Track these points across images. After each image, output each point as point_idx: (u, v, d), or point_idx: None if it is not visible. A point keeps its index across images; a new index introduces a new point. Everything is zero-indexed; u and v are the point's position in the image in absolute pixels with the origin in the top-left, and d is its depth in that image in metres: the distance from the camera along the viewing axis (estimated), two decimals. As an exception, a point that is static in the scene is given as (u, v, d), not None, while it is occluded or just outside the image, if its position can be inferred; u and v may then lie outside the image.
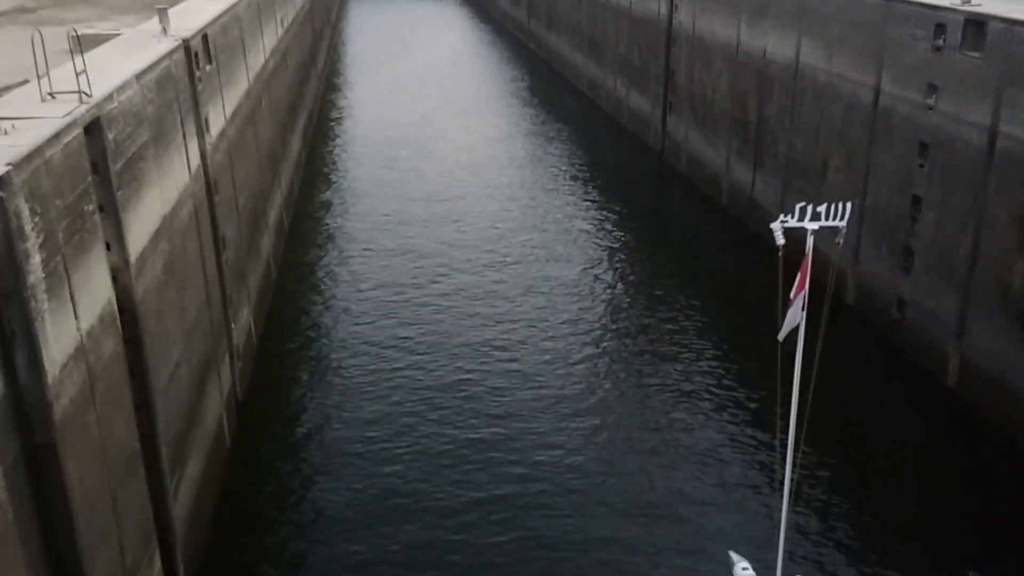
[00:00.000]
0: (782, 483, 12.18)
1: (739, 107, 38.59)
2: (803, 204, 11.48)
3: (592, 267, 35.30)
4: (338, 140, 55.45)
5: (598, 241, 38.09)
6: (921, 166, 26.20)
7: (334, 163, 50.25)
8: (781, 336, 11.66)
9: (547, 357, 28.18)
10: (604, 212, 41.50)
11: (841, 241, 11.21)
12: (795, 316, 11.64)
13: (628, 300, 32.56)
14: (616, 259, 36.30)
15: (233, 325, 24.23)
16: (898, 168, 27.31)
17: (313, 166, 49.36)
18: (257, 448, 23.48)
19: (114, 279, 15.33)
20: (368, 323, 30.41)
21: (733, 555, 13.77)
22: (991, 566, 17.60)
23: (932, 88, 25.58)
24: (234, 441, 23.05)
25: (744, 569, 13.47)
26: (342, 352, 28.47)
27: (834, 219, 11.32)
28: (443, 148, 51.89)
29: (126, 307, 15.72)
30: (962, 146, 24.33)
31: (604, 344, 29.09)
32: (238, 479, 22.04)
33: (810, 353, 11.75)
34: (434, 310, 31.29)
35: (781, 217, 11.34)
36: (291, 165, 42.60)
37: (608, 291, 33.22)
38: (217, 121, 24.49)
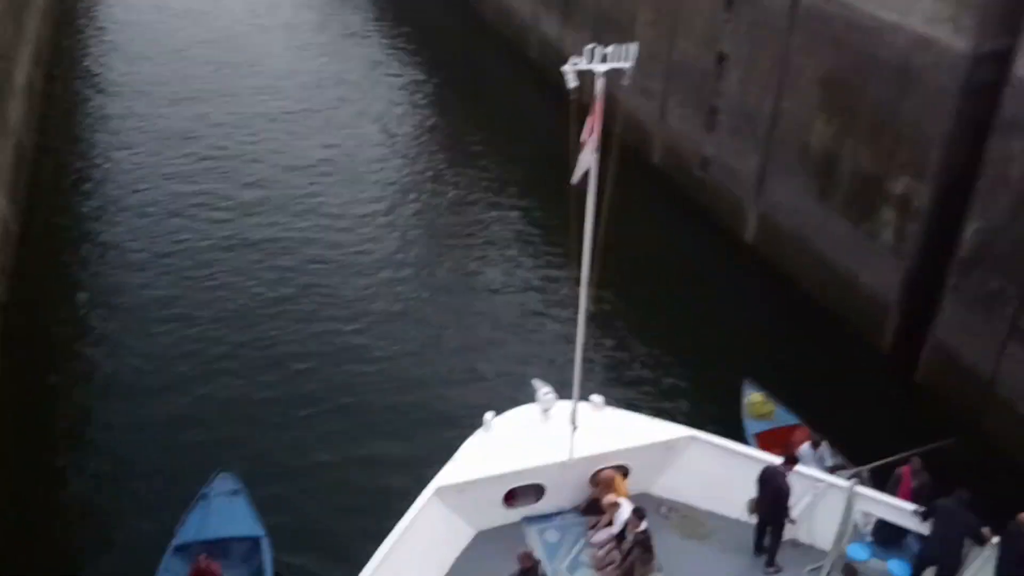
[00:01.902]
0: (577, 316, 12.99)
1: (547, -45, 37.19)
2: (592, 46, 11.24)
3: (394, 118, 34.21)
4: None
5: (400, 91, 36.70)
6: (727, 22, 26.03)
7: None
8: (575, 180, 11.76)
9: (349, 216, 27.45)
10: (407, 61, 39.82)
11: (628, 82, 11.16)
12: (587, 160, 11.67)
13: (431, 151, 31.97)
14: (419, 111, 35.21)
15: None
16: (705, 24, 27.09)
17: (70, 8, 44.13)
18: (26, 354, 21.03)
19: None
20: (152, 193, 28.06)
21: (537, 382, 14.89)
22: (765, 377, 19.54)
23: (740, -60, 25.18)
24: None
25: (546, 394, 14.60)
26: (122, 231, 26.10)
27: (621, 61, 11.27)
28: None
29: None
30: (768, 0, 24.21)
31: (406, 194, 28.92)
32: (4, 394, 19.63)
33: (606, 198, 12.04)
34: (222, 178, 29.22)
35: (572, 59, 11.13)
36: (40, 13, 37.29)
37: (409, 142, 32.44)
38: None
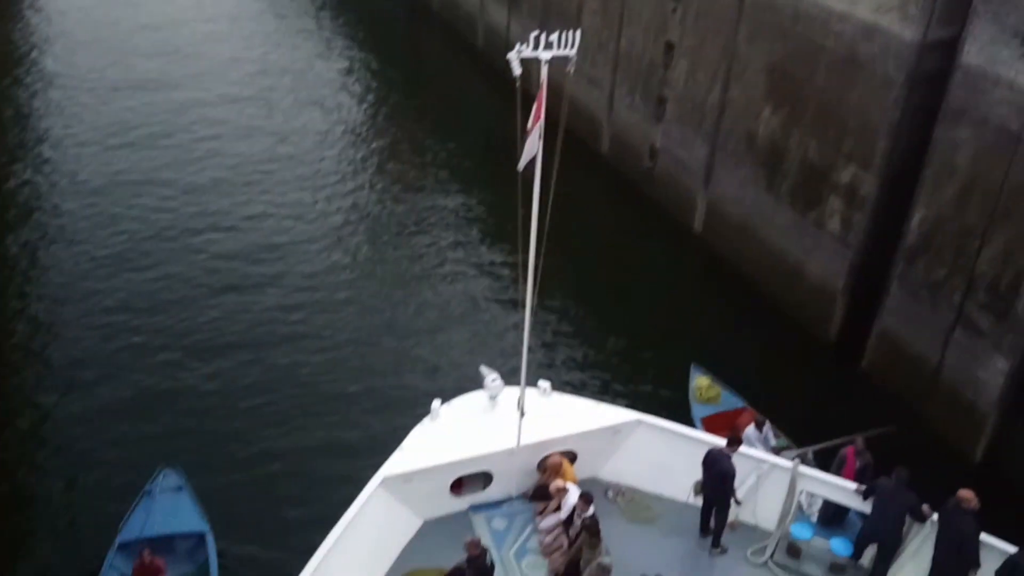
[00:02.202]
0: (525, 304, 12.98)
1: (494, -56, 36.93)
2: (536, 33, 11.29)
3: (338, 107, 33.80)
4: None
5: (345, 79, 36.28)
6: (674, 11, 26.00)
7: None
8: (520, 166, 11.80)
9: (293, 204, 27.03)
10: (354, 54, 39.31)
11: (572, 70, 11.33)
12: (533, 146, 11.70)
13: (377, 140, 31.72)
14: (364, 100, 34.79)
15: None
16: (652, 12, 27.01)
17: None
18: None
19: None
20: (93, 181, 27.46)
21: (484, 369, 14.87)
22: (713, 365, 19.65)
23: (688, -71, 25.14)
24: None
25: (493, 380, 14.58)
26: (61, 220, 25.47)
27: (565, 48, 11.36)
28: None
29: None
30: (715, -9, 24.23)
31: (351, 183, 28.64)
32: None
33: (551, 185, 12.10)
34: (164, 167, 28.68)
35: (517, 47, 11.22)
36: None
37: (354, 131, 32.08)
38: None
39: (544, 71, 11.35)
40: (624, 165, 29.09)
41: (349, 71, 37.48)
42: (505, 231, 25.21)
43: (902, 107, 18.94)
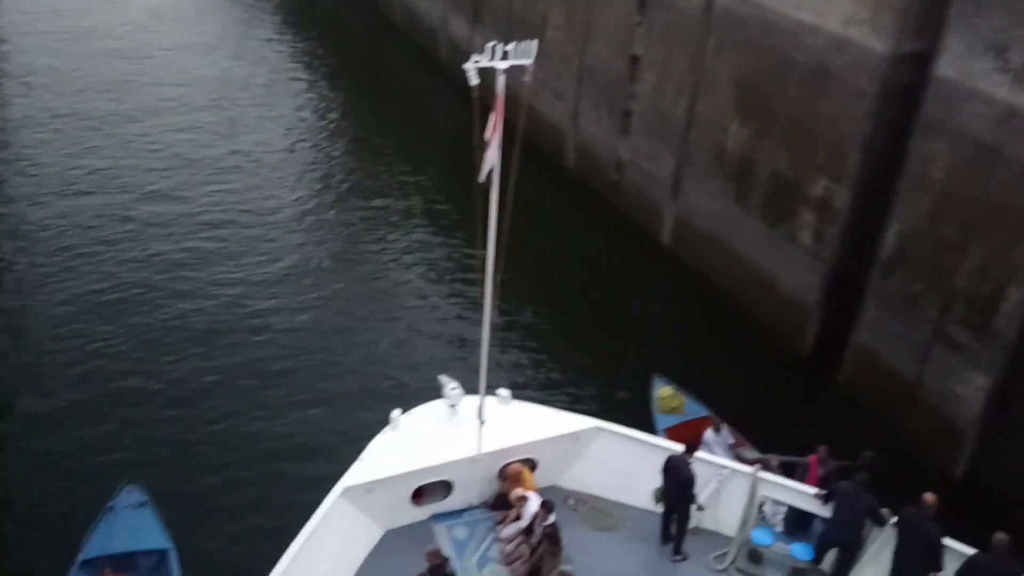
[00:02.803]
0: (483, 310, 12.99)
1: (454, -44, 36.56)
2: (493, 43, 11.26)
3: (301, 121, 33.36)
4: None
5: (307, 94, 35.85)
6: (640, 24, 25.77)
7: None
8: (482, 177, 11.78)
9: (255, 217, 26.58)
10: (314, 64, 38.86)
11: (529, 79, 11.29)
12: (493, 157, 11.73)
13: (340, 153, 31.42)
14: (327, 114, 34.34)
15: None
16: (618, 26, 26.78)
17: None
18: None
19: None
20: (48, 194, 26.75)
21: (443, 378, 14.91)
22: (684, 379, 19.37)
23: (653, -59, 24.92)
24: None
25: (453, 389, 14.62)
26: (15, 236, 24.74)
27: (522, 58, 11.40)
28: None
29: None
30: (682, 3, 24.00)
31: (314, 196, 28.32)
32: None
33: (509, 195, 12.18)
34: (124, 180, 27.92)
35: (474, 57, 11.16)
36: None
37: (317, 145, 31.72)
38: None
39: (501, 81, 11.25)
40: (590, 178, 28.78)
41: (311, 85, 36.94)
42: (467, 240, 25.04)
43: (875, 120, 18.79)
